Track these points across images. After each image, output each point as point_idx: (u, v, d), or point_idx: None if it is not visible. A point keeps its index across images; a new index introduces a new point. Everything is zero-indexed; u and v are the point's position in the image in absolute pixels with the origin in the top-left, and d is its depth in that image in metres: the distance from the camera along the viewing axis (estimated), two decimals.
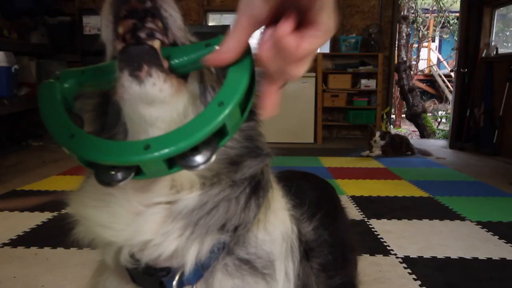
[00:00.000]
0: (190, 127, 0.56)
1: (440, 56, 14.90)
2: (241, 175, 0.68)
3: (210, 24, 7.25)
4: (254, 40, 0.68)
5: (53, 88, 0.64)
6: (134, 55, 0.57)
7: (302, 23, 0.55)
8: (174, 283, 0.66)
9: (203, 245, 0.65)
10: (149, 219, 0.64)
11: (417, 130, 10.41)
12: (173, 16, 0.62)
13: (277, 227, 0.76)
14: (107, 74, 0.61)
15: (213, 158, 0.57)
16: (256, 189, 0.71)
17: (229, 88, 0.60)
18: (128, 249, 0.66)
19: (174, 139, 0.55)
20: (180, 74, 0.62)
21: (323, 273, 0.90)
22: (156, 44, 0.60)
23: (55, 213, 2.95)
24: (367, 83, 6.64)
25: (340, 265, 1.08)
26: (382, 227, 2.79)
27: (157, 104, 0.59)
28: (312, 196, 1.26)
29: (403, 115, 11.62)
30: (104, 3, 0.59)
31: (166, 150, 0.54)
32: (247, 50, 0.65)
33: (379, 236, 2.64)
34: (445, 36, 15.38)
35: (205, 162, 0.56)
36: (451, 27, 13.76)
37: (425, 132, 9.97)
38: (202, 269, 0.67)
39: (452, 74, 8.60)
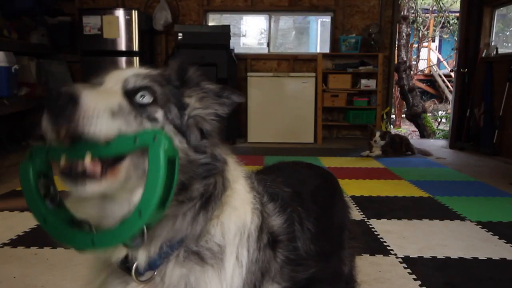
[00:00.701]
0: (117, 231, 0.75)
1: (440, 56, 14.91)
2: (189, 196, 0.81)
3: (210, 24, 7.24)
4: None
5: (27, 171, 0.81)
6: (70, 179, 0.74)
7: None
8: (133, 272, 0.83)
9: (150, 252, 0.81)
10: None
11: (417, 130, 10.42)
12: (94, 128, 0.72)
13: (232, 220, 0.88)
14: (48, 155, 0.80)
15: (145, 241, 0.77)
16: (207, 203, 0.83)
17: (146, 197, 0.73)
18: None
19: (108, 238, 0.76)
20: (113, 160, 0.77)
21: (288, 266, 0.99)
22: (87, 164, 0.74)
23: None
24: (367, 83, 6.64)
25: (322, 257, 1.11)
26: (382, 227, 2.79)
27: (90, 195, 0.77)
28: (312, 184, 1.27)
29: (403, 115, 11.62)
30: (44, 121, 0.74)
31: (104, 246, 0.77)
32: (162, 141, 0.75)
33: (379, 236, 2.64)
34: (445, 36, 15.38)
35: (138, 246, 0.78)
36: (451, 27, 13.76)
37: (425, 132, 9.97)
38: (155, 263, 0.83)
39: (452, 74, 8.61)
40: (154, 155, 0.73)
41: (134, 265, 0.82)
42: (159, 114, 0.83)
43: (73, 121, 0.70)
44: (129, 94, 0.82)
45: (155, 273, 0.83)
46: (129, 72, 0.88)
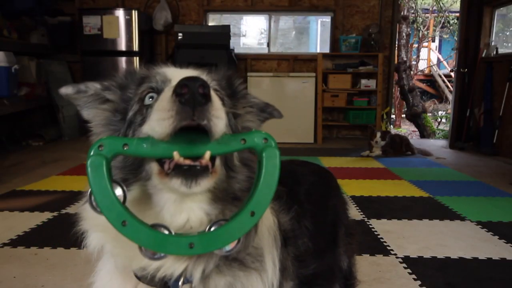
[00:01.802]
0: (225, 232, 0.71)
1: (440, 56, 14.90)
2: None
3: (210, 24, 7.24)
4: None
5: (100, 168, 0.72)
6: (189, 175, 0.70)
7: None
8: (180, 283, 0.78)
9: (209, 265, 0.78)
10: None
11: (417, 130, 10.41)
12: (218, 129, 0.71)
13: (264, 222, 0.88)
14: (147, 152, 0.72)
15: (238, 247, 0.73)
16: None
17: (260, 198, 0.72)
18: (136, 268, 0.80)
19: (213, 241, 0.70)
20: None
21: (296, 263, 1.00)
22: (207, 159, 0.71)
23: (55, 213, 2.95)
24: (367, 83, 6.64)
25: (318, 254, 1.13)
26: (382, 227, 2.79)
27: (194, 194, 0.75)
28: (307, 181, 1.28)
29: (403, 115, 11.62)
30: (167, 108, 0.69)
31: (206, 250, 0.71)
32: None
33: (379, 236, 2.64)
34: (445, 36, 15.38)
35: (231, 251, 0.73)
36: (451, 27, 13.76)
37: (425, 132, 9.96)
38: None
39: (452, 74, 8.61)
40: (269, 156, 0.72)
41: (181, 281, 0.78)
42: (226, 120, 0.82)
43: (205, 115, 0.67)
44: None
45: (194, 286, 0.79)
46: (191, 72, 0.86)
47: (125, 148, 0.71)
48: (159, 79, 0.84)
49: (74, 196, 3.51)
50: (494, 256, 2.37)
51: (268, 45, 7.26)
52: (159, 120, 0.70)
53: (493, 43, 6.11)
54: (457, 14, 10.24)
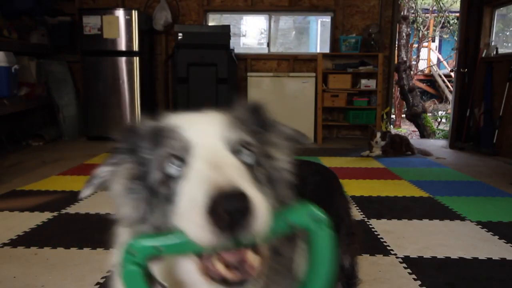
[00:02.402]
0: None
1: (440, 56, 14.90)
2: (282, 263, 0.74)
3: (210, 24, 7.24)
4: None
5: (137, 279, 0.65)
6: (242, 283, 0.64)
7: None
8: None
9: None
10: None
11: (417, 130, 10.41)
12: (263, 230, 0.62)
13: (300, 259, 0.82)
14: (183, 251, 0.66)
15: None
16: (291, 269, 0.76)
17: (316, 284, 0.68)
18: None
19: None
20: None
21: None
22: (255, 268, 0.64)
23: (55, 213, 2.95)
24: (367, 83, 6.64)
25: None
26: (382, 227, 2.79)
27: None
28: (311, 181, 1.27)
29: (403, 115, 11.61)
30: (198, 220, 0.61)
31: None
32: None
33: (379, 236, 2.64)
34: (445, 36, 15.37)
35: None
36: (451, 27, 13.76)
37: (425, 132, 9.96)
38: None
39: (452, 74, 8.61)
40: (320, 237, 0.66)
41: None
42: (260, 174, 0.73)
43: (247, 231, 0.60)
44: (234, 153, 0.71)
45: None
46: (215, 119, 0.76)
47: (159, 250, 0.66)
48: (178, 146, 0.73)
49: (74, 196, 3.53)
50: (494, 256, 2.37)
51: (268, 45, 7.26)
52: (192, 232, 0.62)
53: (493, 43, 6.11)
54: (457, 14, 10.24)
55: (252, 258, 0.65)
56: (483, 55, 6.06)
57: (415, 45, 13.36)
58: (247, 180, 0.65)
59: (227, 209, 0.58)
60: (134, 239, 0.68)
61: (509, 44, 7.31)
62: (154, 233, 0.70)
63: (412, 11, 12.47)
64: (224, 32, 6.18)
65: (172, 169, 0.72)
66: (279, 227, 0.66)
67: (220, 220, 0.58)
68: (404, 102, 10.60)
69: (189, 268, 0.70)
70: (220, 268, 0.64)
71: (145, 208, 0.75)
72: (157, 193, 0.73)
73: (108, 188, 0.84)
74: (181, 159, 0.72)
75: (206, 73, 6.13)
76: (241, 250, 0.64)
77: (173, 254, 0.67)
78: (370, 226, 2.81)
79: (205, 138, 0.72)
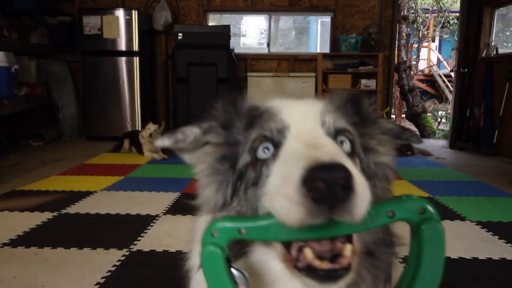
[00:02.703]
0: None
1: (440, 56, 14.90)
2: (376, 265, 0.72)
3: (210, 24, 7.24)
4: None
5: (217, 261, 0.60)
6: (328, 279, 0.58)
7: None
8: None
9: None
10: None
11: (417, 130, 10.41)
12: (363, 211, 0.57)
13: None
14: (268, 235, 0.60)
15: None
16: (388, 276, 0.73)
17: (425, 284, 0.60)
18: None
19: None
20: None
21: None
22: (349, 258, 0.59)
23: (55, 213, 2.95)
24: (367, 83, 6.64)
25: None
26: None
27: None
28: None
29: (403, 115, 11.61)
30: (294, 196, 0.55)
31: None
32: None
33: None
34: (445, 36, 15.37)
35: None
36: (451, 27, 13.76)
37: (425, 132, 9.97)
38: None
39: (452, 74, 8.60)
40: (430, 234, 0.60)
41: None
42: (357, 165, 0.69)
43: (347, 210, 0.54)
44: (332, 138, 0.67)
45: None
46: (314, 105, 0.73)
47: (242, 233, 0.61)
48: (273, 127, 0.69)
49: (74, 196, 3.53)
50: (494, 256, 2.37)
51: (268, 45, 7.26)
52: (282, 209, 0.56)
53: (493, 43, 6.11)
54: (457, 14, 10.23)
55: (346, 249, 0.59)
56: (483, 55, 6.06)
57: (415, 45, 13.36)
58: (347, 160, 0.58)
59: (325, 178, 0.52)
60: (216, 220, 0.63)
61: (509, 44, 7.30)
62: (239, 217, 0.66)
63: (412, 11, 12.48)
64: (224, 32, 6.18)
65: (265, 152, 0.68)
66: (379, 216, 0.60)
67: (315, 190, 0.52)
68: (404, 102, 10.60)
69: (270, 256, 0.65)
70: (309, 255, 0.58)
71: (230, 192, 0.71)
72: (245, 177, 0.69)
73: (181, 149, 0.79)
74: (276, 142, 0.68)
75: (206, 73, 6.13)
76: (334, 240, 0.58)
77: (257, 238, 0.62)
78: None
79: (302, 121, 0.68)
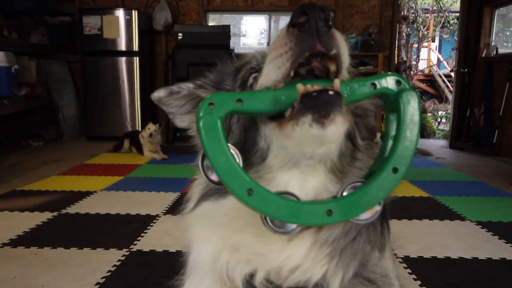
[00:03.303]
0: (366, 193, 0.61)
1: (440, 56, 14.90)
2: None
3: (210, 24, 7.24)
4: None
5: (215, 129, 0.60)
6: (322, 102, 0.58)
7: None
8: None
9: (348, 271, 0.69)
10: (299, 245, 0.67)
11: None
12: (345, 61, 0.64)
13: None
14: (265, 105, 0.62)
15: (377, 215, 0.64)
16: (384, 212, 0.73)
17: (403, 150, 0.63)
18: (264, 273, 0.69)
19: (354, 205, 0.60)
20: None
21: None
22: (338, 86, 0.61)
23: (55, 213, 2.95)
24: None
25: None
26: None
27: (326, 143, 0.63)
28: None
29: None
30: (283, 42, 0.61)
31: (346, 217, 0.61)
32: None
33: None
34: (445, 36, 15.37)
35: (368, 220, 0.63)
36: (451, 27, 13.75)
37: (425, 132, 9.96)
38: None
39: (452, 74, 8.60)
40: (407, 100, 0.63)
41: None
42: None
43: (332, 42, 0.60)
44: None
45: None
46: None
47: (239, 105, 0.61)
48: (259, 56, 0.76)
49: (74, 196, 3.53)
50: (494, 256, 2.37)
51: (268, 45, 7.25)
52: (276, 59, 0.61)
53: (493, 43, 6.11)
54: (457, 14, 10.24)
55: (335, 81, 0.61)
56: (483, 55, 6.06)
57: (415, 45, 13.36)
58: None
59: (305, 10, 0.58)
60: (213, 93, 0.63)
61: (509, 44, 7.30)
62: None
63: (412, 11, 12.47)
64: (224, 32, 6.18)
65: (253, 79, 0.73)
66: (363, 88, 0.65)
67: (302, 23, 0.58)
68: None
69: (270, 127, 0.66)
70: (300, 87, 0.59)
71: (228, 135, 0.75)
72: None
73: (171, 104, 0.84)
74: (261, 68, 0.70)
75: (206, 73, 6.12)
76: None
77: (254, 110, 0.63)
78: None
79: None
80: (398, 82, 0.65)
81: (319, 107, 0.58)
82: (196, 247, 0.75)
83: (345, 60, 0.63)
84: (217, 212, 0.71)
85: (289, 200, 0.60)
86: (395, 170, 0.63)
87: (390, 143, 0.66)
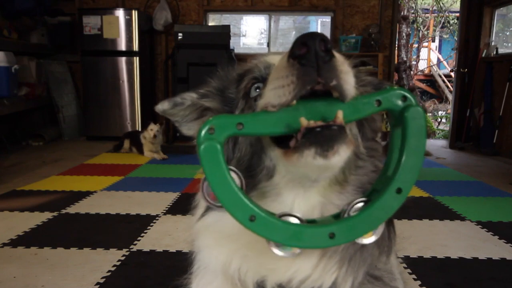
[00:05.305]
0: (368, 215, 0.60)
1: (440, 56, 14.90)
2: None
3: (210, 24, 7.24)
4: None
5: (216, 155, 0.59)
6: (325, 138, 0.59)
7: None
8: None
9: (358, 277, 0.71)
10: (308, 258, 0.69)
11: None
12: (348, 87, 0.62)
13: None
14: (266, 128, 0.62)
15: (380, 235, 0.64)
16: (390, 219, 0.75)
17: (407, 170, 0.62)
18: (275, 282, 0.71)
19: (356, 227, 0.60)
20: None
21: None
22: (341, 120, 0.61)
23: (55, 213, 2.95)
24: None
25: None
26: None
27: (330, 169, 0.66)
28: None
29: None
30: (285, 74, 0.61)
31: (349, 239, 0.61)
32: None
33: None
34: (445, 36, 15.37)
35: (372, 241, 0.64)
36: (451, 27, 13.75)
37: None
38: None
39: (452, 74, 8.60)
40: (413, 117, 0.62)
41: None
42: None
43: (333, 73, 0.59)
44: None
45: None
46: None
47: (239, 128, 0.61)
48: (261, 67, 0.77)
49: (74, 196, 3.53)
50: (494, 256, 2.37)
51: (268, 45, 7.26)
52: (277, 89, 0.61)
53: (493, 43, 6.11)
54: (457, 14, 10.23)
55: (339, 113, 0.61)
56: (483, 55, 6.06)
57: (415, 45, 13.36)
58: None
59: (305, 41, 0.58)
60: (213, 117, 0.62)
61: (509, 44, 7.30)
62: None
63: (412, 11, 12.47)
64: (224, 32, 6.18)
65: (256, 92, 0.74)
66: (368, 105, 0.64)
67: (302, 55, 0.58)
68: None
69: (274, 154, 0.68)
70: (304, 121, 0.60)
71: (230, 147, 0.76)
72: None
73: (176, 116, 0.84)
74: (264, 78, 0.72)
75: (206, 73, 6.09)
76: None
77: (255, 133, 0.63)
78: None
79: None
80: (403, 98, 0.63)
81: (322, 142, 0.59)
82: (206, 255, 0.76)
83: (348, 86, 0.62)
84: (225, 222, 0.71)
85: (291, 224, 0.61)
86: (399, 190, 0.62)
87: (394, 156, 0.65)
